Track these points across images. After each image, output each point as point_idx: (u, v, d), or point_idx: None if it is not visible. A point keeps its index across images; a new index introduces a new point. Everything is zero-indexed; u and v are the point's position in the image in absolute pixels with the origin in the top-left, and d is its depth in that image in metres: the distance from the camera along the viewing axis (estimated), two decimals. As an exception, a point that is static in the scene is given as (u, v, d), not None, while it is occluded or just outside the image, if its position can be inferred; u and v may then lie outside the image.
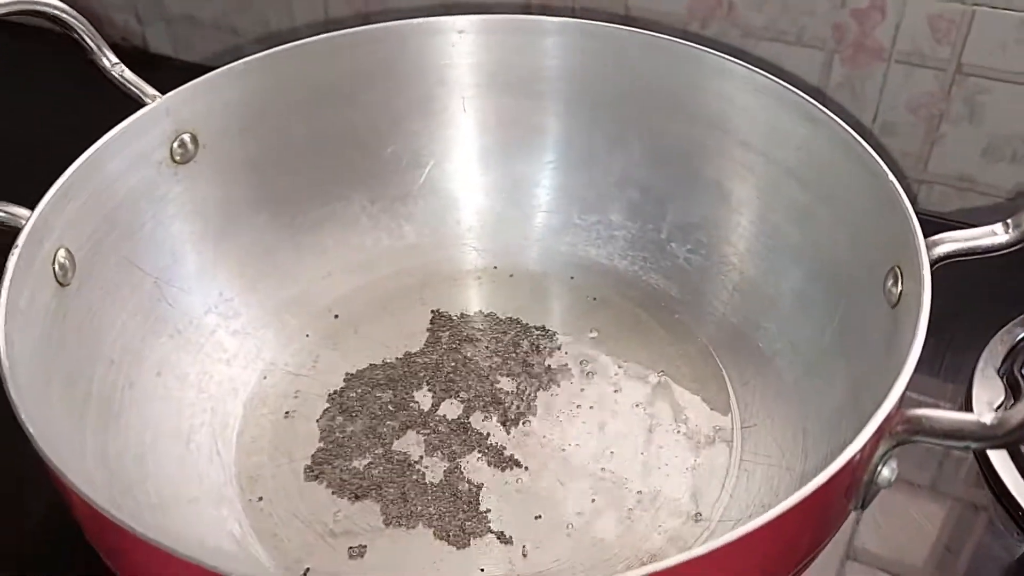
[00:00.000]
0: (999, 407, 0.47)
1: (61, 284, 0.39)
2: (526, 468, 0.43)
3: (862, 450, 0.29)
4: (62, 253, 0.39)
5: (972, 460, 0.45)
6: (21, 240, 0.36)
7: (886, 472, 0.30)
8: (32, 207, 0.38)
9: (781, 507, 0.27)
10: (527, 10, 0.64)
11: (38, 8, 0.41)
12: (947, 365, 0.50)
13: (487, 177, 0.54)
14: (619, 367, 0.47)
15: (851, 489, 0.30)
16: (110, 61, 0.44)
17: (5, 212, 0.38)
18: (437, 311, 0.50)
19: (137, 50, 0.79)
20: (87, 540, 0.33)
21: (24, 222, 0.37)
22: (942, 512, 0.43)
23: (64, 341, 0.38)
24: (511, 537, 0.40)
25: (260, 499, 0.42)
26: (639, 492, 0.42)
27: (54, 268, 0.38)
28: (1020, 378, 0.47)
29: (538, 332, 0.49)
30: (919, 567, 0.41)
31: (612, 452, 0.43)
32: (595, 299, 0.51)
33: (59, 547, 0.42)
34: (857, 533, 0.42)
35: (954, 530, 0.43)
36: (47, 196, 0.38)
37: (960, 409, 0.48)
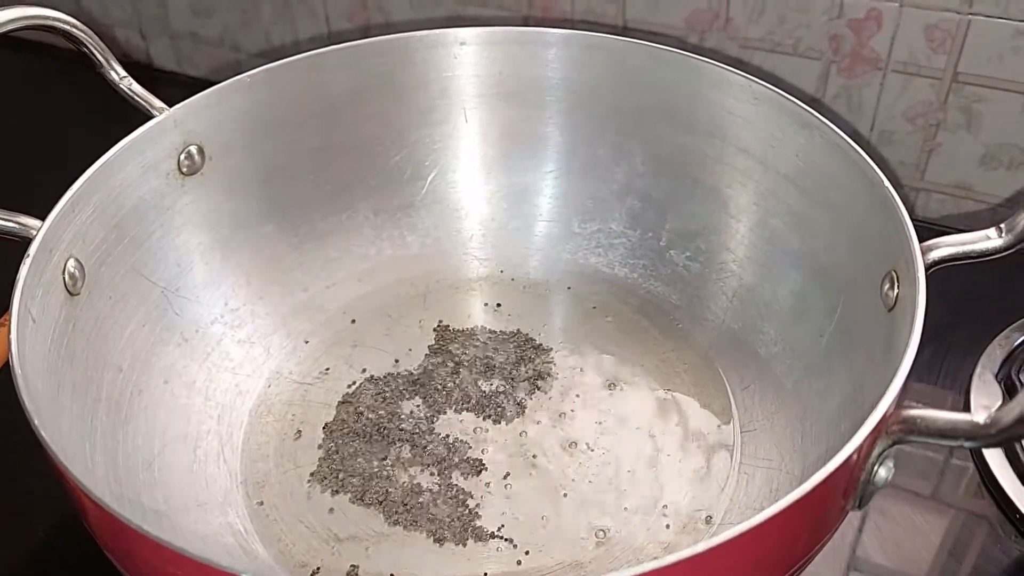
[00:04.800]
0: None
1: (71, 293, 0.39)
2: (527, 474, 0.43)
3: (859, 449, 0.29)
4: (72, 263, 0.39)
5: (973, 470, 0.46)
6: (32, 250, 0.37)
7: (883, 472, 0.31)
8: (43, 218, 0.39)
9: (779, 505, 0.27)
10: (526, 22, 0.65)
11: (50, 23, 0.41)
12: (945, 371, 0.50)
13: (489, 187, 0.54)
14: (619, 374, 0.48)
15: (848, 489, 0.31)
16: (118, 74, 0.45)
17: (17, 223, 0.39)
18: (439, 321, 0.51)
19: (141, 66, 0.80)
20: (99, 547, 0.33)
21: (35, 232, 0.38)
22: (944, 522, 0.44)
23: (74, 349, 0.39)
24: (513, 540, 0.41)
25: (265, 504, 0.42)
26: (640, 496, 0.42)
27: (64, 277, 0.39)
28: (1018, 382, 0.48)
29: (538, 340, 0.50)
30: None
31: (612, 457, 0.44)
32: (595, 307, 0.52)
33: (69, 560, 0.43)
34: (859, 543, 0.43)
35: (956, 540, 0.43)
36: (57, 207, 0.39)
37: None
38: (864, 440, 0.29)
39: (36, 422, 0.30)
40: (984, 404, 0.48)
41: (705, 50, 0.61)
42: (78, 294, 0.40)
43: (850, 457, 0.29)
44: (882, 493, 0.44)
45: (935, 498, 0.45)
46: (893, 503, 0.44)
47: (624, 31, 0.63)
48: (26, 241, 0.38)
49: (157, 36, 0.79)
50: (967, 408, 0.48)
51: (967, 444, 0.28)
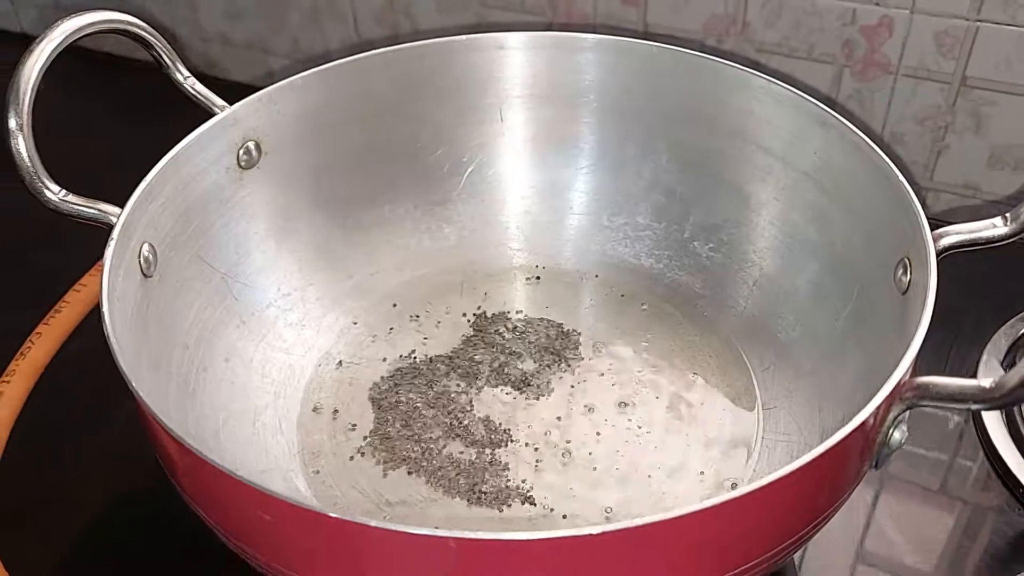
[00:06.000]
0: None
1: (146, 276, 0.42)
2: (561, 448, 0.46)
3: (875, 413, 0.32)
4: (146, 248, 0.42)
5: (980, 462, 0.47)
6: (115, 234, 0.40)
7: (897, 435, 0.33)
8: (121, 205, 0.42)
9: (804, 459, 0.30)
10: (549, 27, 0.67)
11: (124, 27, 0.44)
12: (953, 359, 0.52)
13: (523, 182, 0.57)
14: (647, 357, 0.51)
15: (865, 450, 0.33)
16: (183, 75, 0.48)
17: (98, 210, 0.42)
18: (477, 307, 0.54)
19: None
20: (184, 502, 0.36)
21: (115, 219, 0.41)
22: (952, 516, 0.45)
23: (148, 327, 0.41)
24: (550, 506, 0.43)
25: (321, 472, 0.45)
26: (669, 468, 0.45)
27: (140, 261, 0.42)
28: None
29: (570, 325, 0.53)
30: (929, 571, 0.43)
31: (641, 432, 0.47)
32: (623, 295, 0.54)
33: (152, 511, 0.46)
34: (867, 537, 0.44)
35: (964, 534, 0.45)
36: (134, 195, 0.42)
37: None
38: (881, 404, 0.32)
39: (133, 384, 0.34)
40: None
41: (723, 53, 0.63)
42: (151, 277, 0.42)
43: (867, 419, 0.32)
44: (891, 488, 0.46)
45: (943, 491, 0.47)
46: (901, 498, 0.46)
47: (645, 35, 0.64)
48: (106, 227, 0.41)
49: (188, 39, 0.81)
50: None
51: (974, 407, 0.31)
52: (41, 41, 0.40)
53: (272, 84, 0.50)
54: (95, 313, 0.57)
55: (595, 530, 0.27)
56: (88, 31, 0.43)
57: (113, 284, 0.38)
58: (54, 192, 0.41)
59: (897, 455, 0.47)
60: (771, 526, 0.32)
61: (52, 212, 0.41)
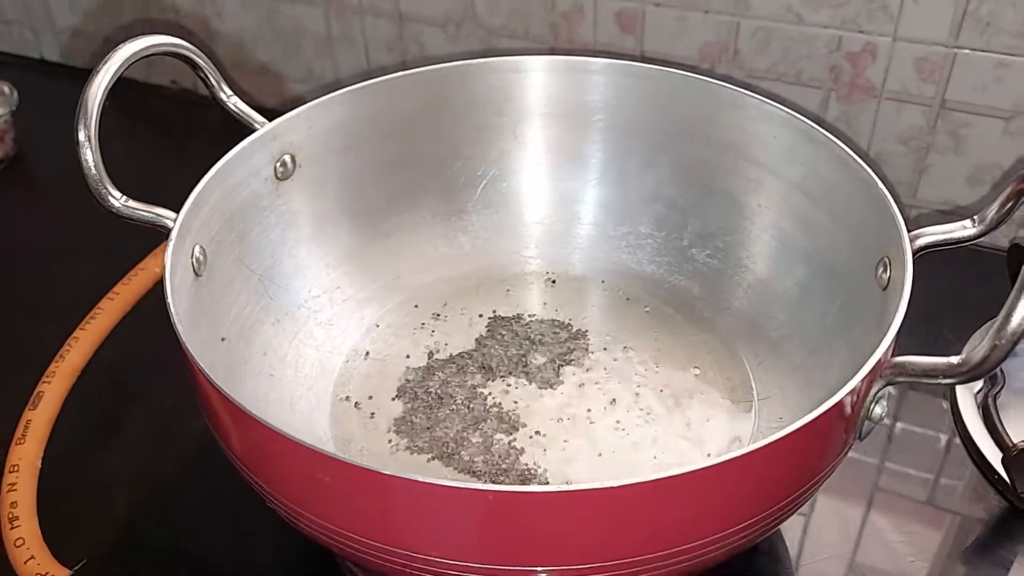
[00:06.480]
0: (978, 392, 0.54)
1: (196, 275, 0.46)
2: (572, 435, 0.50)
3: (858, 388, 0.36)
4: (197, 249, 0.46)
5: (971, 475, 0.50)
6: (173, 236, 0.44)
7: (878, 410, 0.37)
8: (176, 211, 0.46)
9: (795, 425, 0.34)
10: (552, 52, 0.71)
11: (176, 50, 0.48)
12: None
13: (535, 194, 0.60)
14: (650, 353, 0.54)
15: (850, 422, 0.37)
16: (226, 94, 0.52)
17: (154, 214, 0.45)
18: (492, 309, 0.58)
19: (187, 92, 0.85)
20: (238, 467, 0.40)
21: (171, 223, 0.44)
22: (941, 528, 0.47)
23: (198, 321, 0.45)
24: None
25: (351, 457, 0.49)
26: (673, 451, 0.48)
27: (192, 261, 0.45)
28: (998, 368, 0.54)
29: (579, 325, 0.56)
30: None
31: (648, 420, 0.50)
32: (628, 298, 0.58)
33: (204, 480, 0.50)
34: (859, 549, 0.46)
35: (953, 545, 0.47)
36: (188, 201, 0.45)
37: (945, 396, 0.55)
38: (863, 380, 0.36)
39: (197, 359, 0.37)
40: (967, 385, 0.54)
41: (716, 79, 0.67)
42: (201, 276, 0.46)
43: (851, 392, 0.36)
44: (880, 501, 0.49)
45: (932, 504, 0.49)
46: (890, 511, 0.49)
47: (642, 59, 0.68)
48: (162, 230, 0.45)
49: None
50: (952, 390, 0.55)
51: (944, 381, 0.35)
52: (106, 63, 0.44)
53: (292, 108, 0.53)
54: (126, 321, 0.62)
55: (615, 484, 0.31)
56: (145, 53, 0.46)
57: (174, 280, 0.42)
58: (116, 198, 0.45)
59: (888, 467, 0.51)
60: (772, 483, 0.36)
61: (114, 217, 0.45)
